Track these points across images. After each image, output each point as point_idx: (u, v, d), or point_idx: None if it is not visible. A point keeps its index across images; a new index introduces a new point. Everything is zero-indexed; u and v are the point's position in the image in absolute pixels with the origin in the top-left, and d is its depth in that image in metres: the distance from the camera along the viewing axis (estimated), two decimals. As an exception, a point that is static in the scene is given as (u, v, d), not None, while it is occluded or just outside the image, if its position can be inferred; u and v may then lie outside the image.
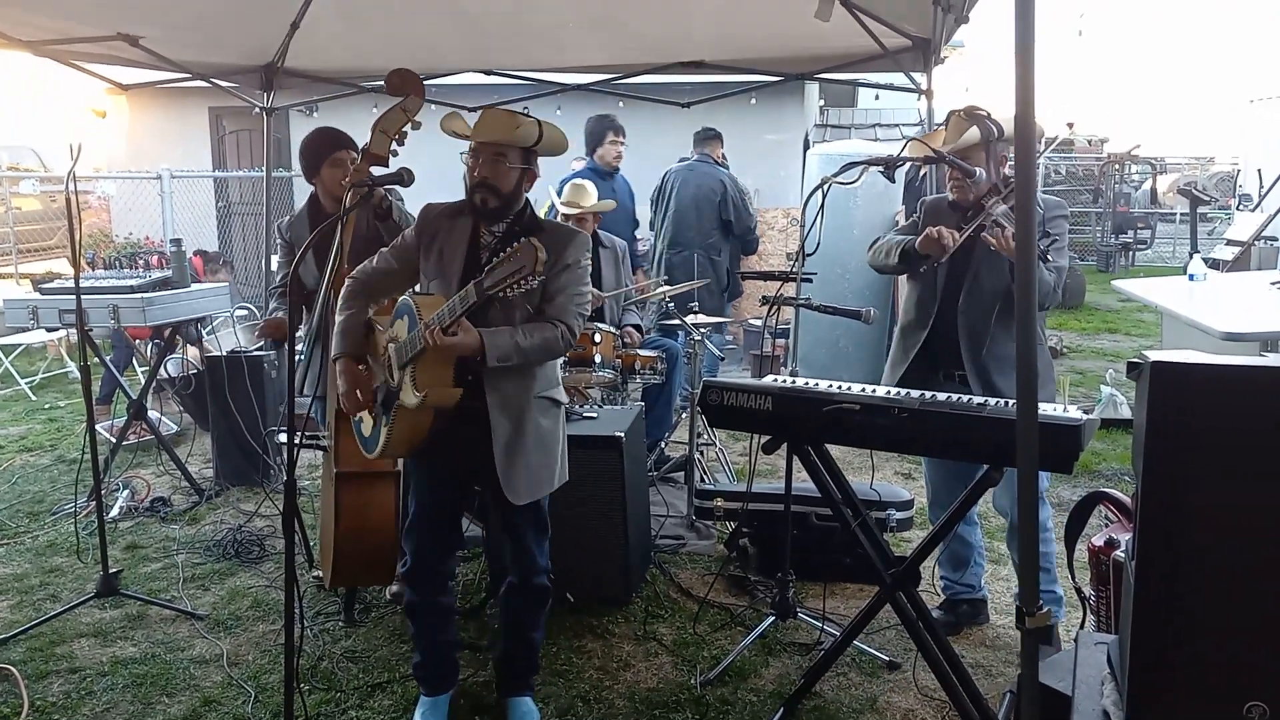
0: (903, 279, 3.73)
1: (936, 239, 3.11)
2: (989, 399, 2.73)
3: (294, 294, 2.72)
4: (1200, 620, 1.69)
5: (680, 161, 7.15)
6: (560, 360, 3.01)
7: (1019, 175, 1.90)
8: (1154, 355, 1.71)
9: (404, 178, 2.75)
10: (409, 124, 3.10)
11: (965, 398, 2.74)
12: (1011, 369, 3.05)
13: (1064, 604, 3.43)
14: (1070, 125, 18.41)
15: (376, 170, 3.14)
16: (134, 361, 7.14)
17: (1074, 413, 2.52)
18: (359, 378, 2.86)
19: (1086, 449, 2.50)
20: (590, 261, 2.86)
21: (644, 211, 8.68)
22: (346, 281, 2.94)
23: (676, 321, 4.95)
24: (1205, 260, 6.95)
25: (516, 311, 2.73)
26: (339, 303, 2.91)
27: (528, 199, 2.88)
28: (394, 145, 3.10)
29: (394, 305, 2.80)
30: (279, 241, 4.16)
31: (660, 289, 5.26)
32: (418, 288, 2.88)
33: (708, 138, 7.10)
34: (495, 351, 2.62)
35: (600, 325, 4.53)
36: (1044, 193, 3.73)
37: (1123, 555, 2.60)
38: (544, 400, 2.84)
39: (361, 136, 3.24)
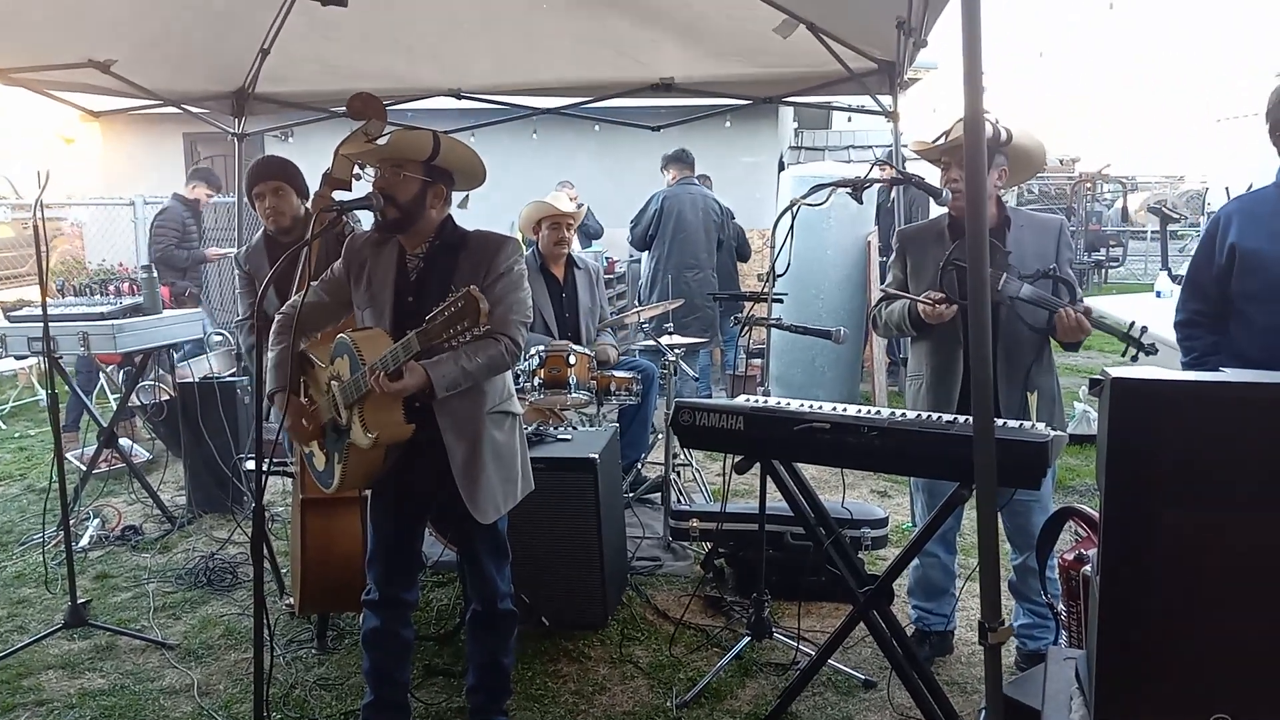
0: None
1: (936, 315, 3.07)
2: (957, 417, 2.75)
3: (260, 325, 2.71)
4: (1164, 633, 1.70)
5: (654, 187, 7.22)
6: (512, 373, 2.99)
7: (970, 192, 1.92)
8: (1114, 372, 1.73)
9: (372, 202, 2.75)
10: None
11: (936, 415, 2.76)
12: (1045, 401, 3.12)
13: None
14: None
15: (341, 195, 3.14)
16: (105, 387, 7.07)
17: (1041, 429, 2.54)
18: (301, 409, 2.85)
19: (1061, 465, 2.52)
20: (523, 266, 2.83)
21: (613, 235, 8.67)
22: (276, 316, 2.93)
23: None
24: (1173, 277, 7.01)
25: None
26: (270, 337, 2.89)
27: (450, 216, 2.85)
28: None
29: (329, 337, 2.79)
30: (237, 274, 4.15)
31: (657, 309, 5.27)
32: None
33: (687, 160, 7.13)
34: (442, 382, 2.61)
35: (575, 347, 4.52)
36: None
37: (1090, 570, 2.62)
38: (497, 415, 2.83)
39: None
